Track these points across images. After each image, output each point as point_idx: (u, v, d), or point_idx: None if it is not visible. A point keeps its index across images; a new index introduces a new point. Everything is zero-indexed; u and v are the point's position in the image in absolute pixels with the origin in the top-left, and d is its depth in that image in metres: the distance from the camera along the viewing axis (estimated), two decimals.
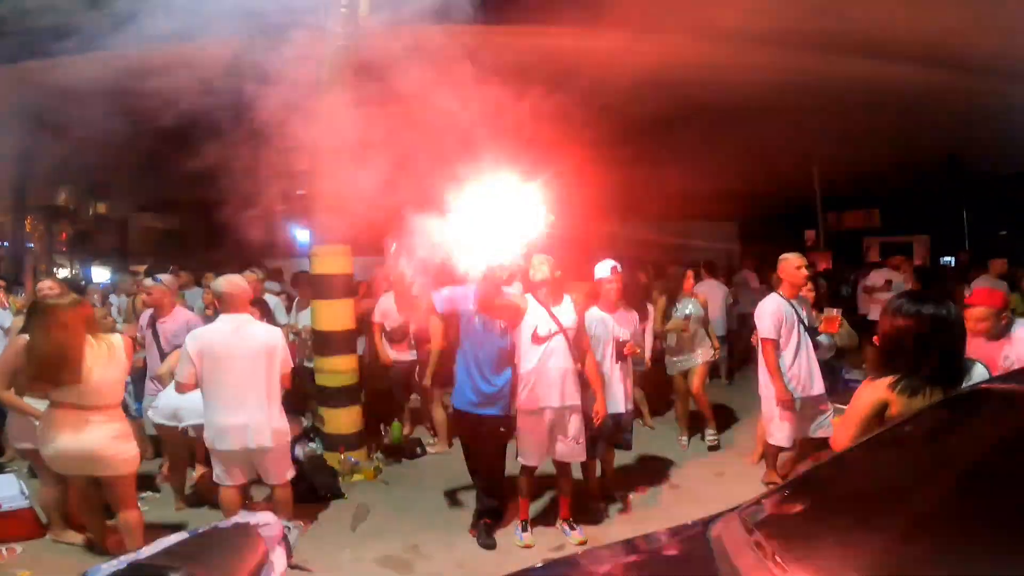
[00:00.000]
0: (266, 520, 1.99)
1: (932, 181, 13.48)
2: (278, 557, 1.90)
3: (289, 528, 2.05)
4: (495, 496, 3.73)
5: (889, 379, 1.97)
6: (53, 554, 3.48)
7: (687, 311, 5.10)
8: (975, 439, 1.50)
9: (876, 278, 7.89)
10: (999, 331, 3.14)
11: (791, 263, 3.99)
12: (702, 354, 5.14)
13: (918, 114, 10.06)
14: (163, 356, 4.24)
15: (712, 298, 7.05)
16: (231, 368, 3.30)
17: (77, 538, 3.52)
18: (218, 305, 3.45)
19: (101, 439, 3.03)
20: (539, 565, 1.88)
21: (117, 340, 3.17)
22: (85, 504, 3.32)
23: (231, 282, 3.43)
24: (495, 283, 3.18)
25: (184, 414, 3.76)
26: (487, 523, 3.66)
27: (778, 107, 9.83)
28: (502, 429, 3.62)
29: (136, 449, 3.23)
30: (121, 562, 1.83)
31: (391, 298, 5.43)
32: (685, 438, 5.26)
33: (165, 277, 4.69)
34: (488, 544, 3.54)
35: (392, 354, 5.39)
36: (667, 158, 12.81)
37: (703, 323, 5.22)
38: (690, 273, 5.39)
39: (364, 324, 5.47)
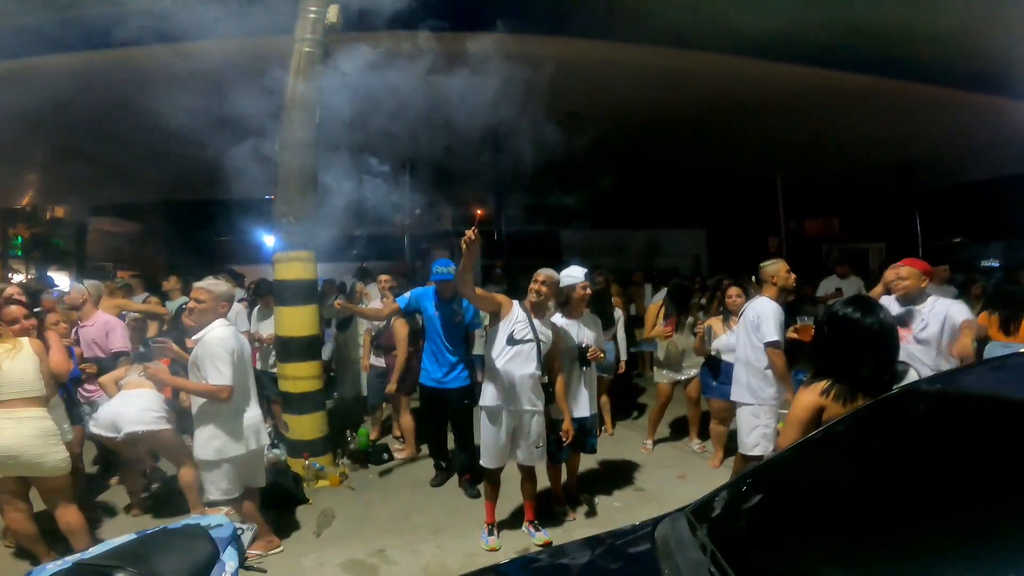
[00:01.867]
0: (218, 521, 1.96)
1: (887, 190, 13.98)
2: (230, 558, 1.87)
3: (242, 530, 2.01)
4: (469, 452, 4.37)
5: (823, 384, 2.03)
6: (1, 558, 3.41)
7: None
8: (904, 438, 1.57)
9: (825, 287, 8.05)
10: (916, 296, 3.50)
11: (783, 267, 3.97)
12: (696, 363, 5.20)
13: (875, 125, 10.43)
14: (82, 360, 4.22)
15: None
16: (248, 370, 3.38)
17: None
18: (222, 309, 3.36)
19: (19, 437, 2.97)
20: (502, 563, 1.90)
21: (24, 341, 3.15)
22: (15, 513, 3.18)
23: (231, 287, 3.48)
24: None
25: (122, 423, 3.67)
26: (468, 479, 4.40)
27: (743, 117, 10.11)
28: (466, 401, 4.39)
29: (64, 453, 3.14)
30: (66, 562, 1.78)
31: (376, 305, 5.46)
32: (650, 442, 5.35)
33: (88, 282, 4.65)
34: (473, 494, 4.29)
35: (372, 360, 5.45)
36: (638, 167, 13.08)
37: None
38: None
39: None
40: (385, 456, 5.09)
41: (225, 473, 3.26)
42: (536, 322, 3.52)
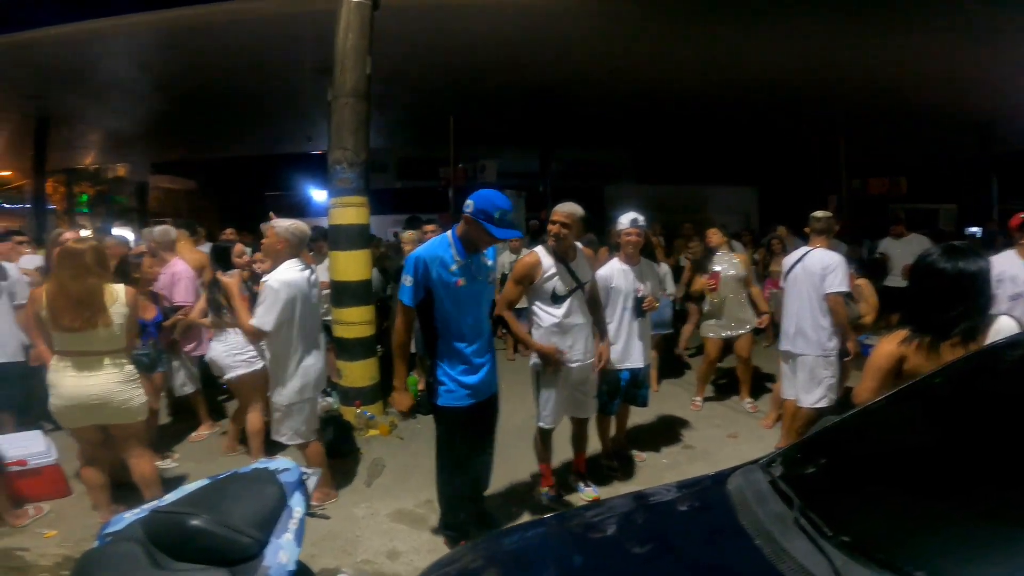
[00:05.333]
0: (285, 466, 1.97)
1: (963, 150, 13.15)
2: (297, 503, 1.88)
3: (307, 474, 2.03)
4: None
5: (903, 333, 1.95)
6: (80, 513, 3.43)
7: (718, 268, 4.96)
8: (1012, 391, 1.44)
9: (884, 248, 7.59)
10: None
11: (831, 217, 3.96)
12: (748, 320, 5.03)
13: (951, 85, 9.72)
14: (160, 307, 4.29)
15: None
16: (313, 314, 3.44)
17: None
18: (280, 246, 3.32)
19: (108, 384, 3.02)
20: (555, 514, 1.87)
21: (119, 288, 3.12)
22: (92, 461, 3.25)
23: (301, 229, 3.43)
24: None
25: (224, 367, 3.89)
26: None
27: (805, 75, 9.53)
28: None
29: (144, 397, 3.19)
30: (144, 510, 1.83)
31: None
32: (699, 399, 5.25)
33: (158, 228, 4.70)
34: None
35: None
36: (688, 121, 12.57)
37: (747, 285, 5.06)
38: (713, 231, 5.19)
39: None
40: None
41: (303, 416, 3.38)
42: (571, 266, 3.26)
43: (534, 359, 3.35)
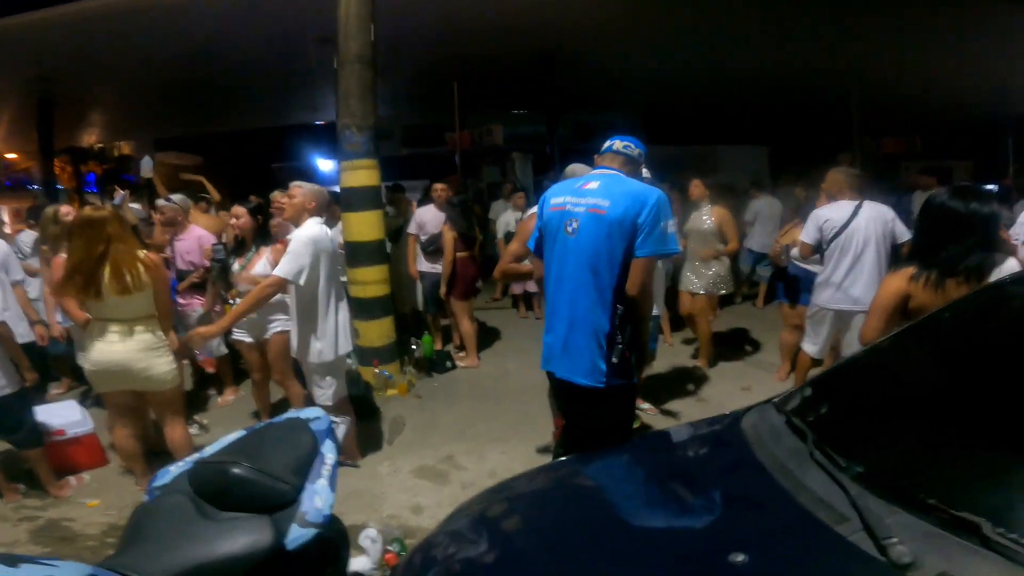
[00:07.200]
0: (315, 415, 2.01)
1: (978, 108, 12.94)
2: (328, 450, 1.92)
3: (336, 423, 2.10)
4: None
5: (910, 269, 1.97)
6: (121, 481, 3.50)
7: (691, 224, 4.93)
8: (1016, 329, 1.47)
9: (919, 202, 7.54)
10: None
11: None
12: (711, 279, 4.92)
13: (966, 42, 9.47)
14: (178, 273, 4.37)
15: (764, 216, 6.86)
16: (337, 270, 3.50)
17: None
18: (310, 205, 3.30)
19: (129, 351, 3.01)
20: (573, 456, 1.93)
21: (140, 255, 3.08)
22: (123, 429, 3.25)
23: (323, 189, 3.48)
24: None
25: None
26: None
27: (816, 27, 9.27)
28: None
29: (171, 365, 3.16)
30: (187, 462, 1.88)
31: (429, 211, 5.47)
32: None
33: (176, 197, 4.75)
34: None
35: (424, 266, 5.51)
36: (695, 81, 12.32)
37: (719, 242, 4.89)
38: (696, 182, 5.03)
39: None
40: (448, 364, 5.23)
41: (334, 375, 3.40)
42: None
43: None
